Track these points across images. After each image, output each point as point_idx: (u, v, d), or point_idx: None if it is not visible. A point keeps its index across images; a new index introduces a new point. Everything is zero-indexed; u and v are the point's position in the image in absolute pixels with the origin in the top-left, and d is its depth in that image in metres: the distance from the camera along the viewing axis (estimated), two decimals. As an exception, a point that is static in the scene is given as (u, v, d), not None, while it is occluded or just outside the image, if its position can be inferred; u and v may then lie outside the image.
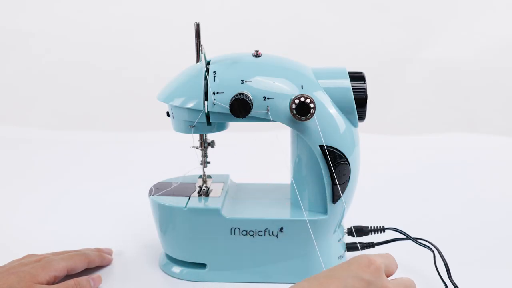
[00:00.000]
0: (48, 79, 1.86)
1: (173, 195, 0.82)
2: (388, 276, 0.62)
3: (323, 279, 0.58)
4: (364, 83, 0.77)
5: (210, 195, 0.83)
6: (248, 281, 0.80)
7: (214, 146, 0.84)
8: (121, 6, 1.84)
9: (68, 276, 0.78)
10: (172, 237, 0.81)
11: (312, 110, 0.72)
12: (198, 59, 0.78)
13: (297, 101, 0.72)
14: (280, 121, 0.74)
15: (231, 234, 0.78)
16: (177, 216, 0.79)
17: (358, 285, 0.57)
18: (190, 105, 0.75)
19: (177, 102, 0.75)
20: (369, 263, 0.59)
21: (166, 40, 1.81)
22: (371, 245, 0.85)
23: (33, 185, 1.20)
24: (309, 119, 0.73)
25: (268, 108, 0.74)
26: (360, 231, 0.85)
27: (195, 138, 0.83)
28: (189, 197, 0.81)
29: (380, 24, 1.82)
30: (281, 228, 0.78)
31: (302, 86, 0.75)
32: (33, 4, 1.85)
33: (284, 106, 0.74)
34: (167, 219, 0.80)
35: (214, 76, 0.74)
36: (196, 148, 0.83)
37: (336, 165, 0.75)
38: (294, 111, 0.72)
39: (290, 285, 0.79)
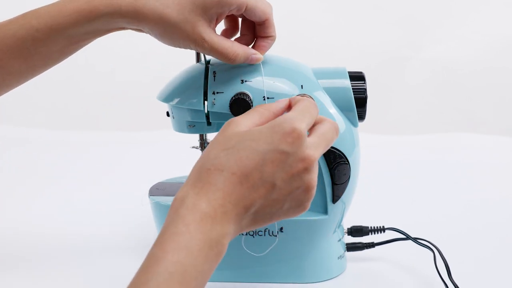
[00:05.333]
0: (48, 79, 1.85)
1: (173, 195, 0.82)
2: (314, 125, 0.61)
3: (243, 152, 0.55)
4: (364, 83, 0.77)
5: (210, 195, 0.83)
6: (248, 281, 0.80)
7: (214, 146, 0.83)
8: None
9: None
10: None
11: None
12: (198, 59, 0.78)
13: (297, 101, 0.72)
14: (280, 121, 0.74)
15: (231, 234, 0.78)
16: (177, 216, 0.79)
17: (277, 159, 0.55)
18: (189, 105, 0.74)
19: (177, 102, 0.75)
20: (291, 131, 0.55)
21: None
22: (371, 245, 0.85)
23: (33, 185, 1.20)
24: (309, 119, 0.72)
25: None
26: (360, 231, 0.85)
27: (195, 138, 0.83)
28: (189, 197, 0.81)
29: (380, 23, 1.82)
30: (281, 228, 0.78)
31: (302, 86, 0.75)
32: (33, 4, 1.84)
33: (284, 106, 0.73)
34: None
35: (214, 76, 0.74)
36: (196, 148, 0.83)
37: (336, 165, 0.75)
38: (294, 111, 0.72)
39: (290, 285, 0.79)
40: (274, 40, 0.74)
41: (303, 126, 0.56)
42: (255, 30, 0.74)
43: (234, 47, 0.69)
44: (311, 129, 0.60)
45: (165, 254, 0.50)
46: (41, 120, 1.78)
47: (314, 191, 0.58)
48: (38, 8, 0.71)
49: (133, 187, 1.03)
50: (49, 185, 1.20)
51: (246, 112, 0.61)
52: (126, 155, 1.42)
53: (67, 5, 0.69)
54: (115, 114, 1.80)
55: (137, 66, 1.83)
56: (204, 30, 0.67)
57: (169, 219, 0.53)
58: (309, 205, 0.59)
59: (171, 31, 0.68)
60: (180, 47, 0.70)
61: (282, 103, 0.63)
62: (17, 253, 0.88)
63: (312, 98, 0.72)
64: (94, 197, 1.13)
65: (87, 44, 0.74)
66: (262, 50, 0.73)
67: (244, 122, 0.58)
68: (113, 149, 1.46)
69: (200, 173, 0.55)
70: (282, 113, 0.61)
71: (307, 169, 0.56)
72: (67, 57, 0.75)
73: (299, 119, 0.57)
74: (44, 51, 0.71)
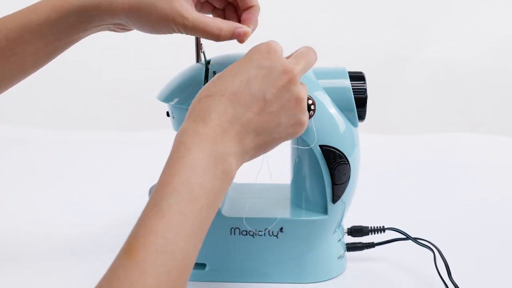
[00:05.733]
0: (48, 79, 1.85)
1: (173, 195, 0.82)
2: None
3: (228, 76, 0.59)
4: (364, 83, 0.77)
5: (210, 195, 0.83)
6: (248, 281, 0.80)
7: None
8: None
9: None
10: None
11: (312, 110, 0.72)
12: (198, 59, 0.78)
13: (297, 101, 0.72)
14: (280, 121, 0.74)
15: (231, 234, 0.78)
16: (177, 216, 0.79)
17: (260, 74, 0.58)
18: (190, 105, 0.74)
19: (177, 102, 0.75)
20: (266, 47, 0.60)
21: (166, 40, 1.80)
22: (371, 245, 0.85)
23: (33, 185, 1.20)
24: (308, 119, 0.72)
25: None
26: (360, 231, 0.85)
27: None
28: (189, 197, 0.81)
29: (380, 23, 1.82)
30: (281, 228, 0.78)
31: (302, 86, 0.74)
32: (33, 3, 1.84)
33: (284, 106, 0.73)
34: (167, 219, 0.80)
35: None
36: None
37: (336, 165, 0.75)
38: (294, 111, 0.72)
39: (290, 285, 0.79)
40: (258, 10, 0.73)
41: (277, 45, 0.61)
42: (238, 16, 0.74)
43: (217, 22, 0.68)
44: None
45: (172, 177, 0.52)
46: (41, 120, 1.78)
47: (304, 102, 0.61)
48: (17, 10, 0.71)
49: (133, 187, 1.03)
50: (49, 185, 1.20)
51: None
52: (126, 155, 1.42)
53: (42, 2, 0.69)
54: (115, 114, 1.80)
55: (137, 66, 1.83)
56: (180, 5, 0.66)
57: (172, 148, 0.56)
58: (304, 120, 0.62)
59: (147, 13, 0.66)
60: (162, 32, 0.69)
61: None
62: (17, 253, 0.88)
63: (312, 98, 0.72)
64: (94, 197, 1.13)
65: (64, 48, 0.74)
66: (248, 23, 0.72)
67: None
68: (113, 149, 1.46)
69: (194, 106, 0.58)
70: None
71: (291, 81, 0.59)
72: (45, 62, 0.74)
73: (272, 41, 0.62)
74: (19, 52, 0.70)
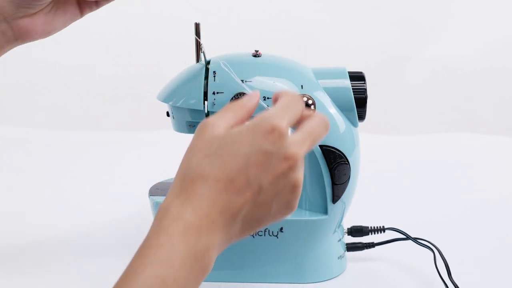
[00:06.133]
0: (48, 79, 1.85)
1: (173, 195, 0.82)
2: (296, 124, 0.58)
3: (225, 156, 0.52)
4: (364, 83, 0.77)
5: (210, 195, 0.83)
6: (248, 281, 0.80)
7: (214, 146, 0.83)
8: (121, 5, 1.83)
9: None
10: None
11: (312, 110, 0.72)
12: (198, 59, 0.78)
13: (297, 101, 0.72)
14: (280, 121, 0.74)
15: (231, 234, 0.78)
16: (177, 216, 0.79)
17: (261, 160, 0.52)
18: (190, 105, 0.75)
19: (177, 102, 0.75)
20: (272, 129, 0.52)
21: (166, 40, 1.81)
22: (371, 245, 0.85)
23: (33, 185, 1.20)
24: (309, 119, 0.72)
25: (268, 108, 0.74)
26: (360, 231, 0.85)
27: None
28: (189, 197, 0.81)
29: (380, 23, 1.81)
30: (281, 228, 0.78)
31: (302, 86, 0.75)
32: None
33: (284, 106, 0.73)
34: (167, 219, 0.80)
35: (214, 76, 0.74)
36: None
37: (336, 165, 0.75)
38: (294, 111, 0.72)
39: (290, 285, 0.79)
40: None
41: (284, 124, 0.54)
42: None
43: None
44: (298, 125, 0.58)
45: (144, 267, 0.48)
46: (41, 120, 1.78)
47: (300, 189, 0.56)
48: None
49: (133, 187, 1.03)
50: (49, 185, 1.20)
51: (219, 111, 0.57)
52: (126, 155, 1.42)
53: None
54: (115, 114, 1.80)
55: (137, 66, 1.83)
56: None
57: (151, 230, 0.51)
58: (296, 204, 0.56)
59: None
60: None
61: (255, 98, 0.59)
62: (17, 253, 0.88)
63: (312, 98, 0.72)
64: (94, 197, 1.13)
65: None
66: None
67: (219, 123, 0.55)
68: (113, 149, 1.46)
69: (184, 182, 0.53)
70: (254, 108, 0.58)
71: (291, 168, 0.54)
72: None
73: (279, 116, 0.54)
74: None
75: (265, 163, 0.52)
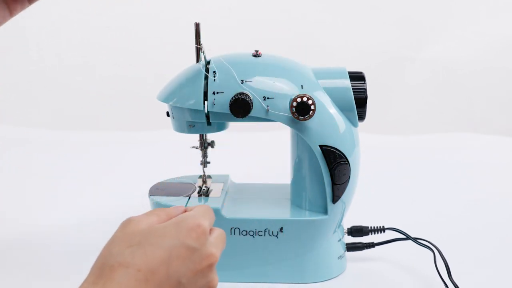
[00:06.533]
0: (48, 79, 1.85)
1: (173, 195, 0.82)
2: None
3: (148, 246, 0.53)
4: (364, 83, 0.77)
5: (210, 195, 0.83)
6: (248, 281, 0.80)
7: (214, 146, 0.84)
8: (121, 5, 1.84)
9: None
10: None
11: (312, 110, 0.72)
12: (198, 59, 0.78)
13: (298, 100, 0.72)
14: (280, 121, 0.74)
15: (231, 234, 0.78)
16: (177, 216, 0.79)
17: (183, 254, 0.54)
18: (190, 105, 0.75)
19: (177, 102, 0.75)
20: (196, 226, 0.56)
21: (166, 40, 1.81)
22: (371, 245, 0.85)
23: (33, 185, 1.20)
24: (308, 119, 0.73)
25: (268, 108, 0.74)
26: (360, 231, 0.85)
27: (195, 138, 0.83)
28: (189, 197, 0.81)
29: (380, 23, 1.82)
30: (281, 228, 0.78)
31: (302, 86, 0.75)
32: (33, 4, 1.84)
33: (284, 106, 0.74)
34: (167, 219, 0.80)
35: (214, 76, 0.74)
36: (196, 148, 0.83)
37: (336, 165, 0.75)
38: (294, 111, 0.72)
39: (290, 285, 0.79)
40: None
41: (206, 223, 0.57)
42: None
43: None
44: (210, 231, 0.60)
45: None
46: (41, 120, 1.78)
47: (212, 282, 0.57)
48: None
49: (133, 187, 1.03)
50: (49, 185, 1.20)
51: (144, 213, 0.59)
52: (126, 155, 1.42)
53: None
54: (115, 114, 1.80)
55: (137, 66, 1.83)
56: None
57: None
58: None
59: None
60: None
61: (179, 209, 0.62)
62: (17, 253, 0.88)
63: (312, 98, 0.72)
64: (94, 197, 1.13)
65: None
66: None
67: (144, 220, 0.57)
68: (113, 149, 1.46)
69: (103, 269, 0.52)
70: (178, 212, 0.61)
71: (210, 267, 0.56)
72: None
73: (202, 216, 0.57)
74: None
75: (187, 258, 0.54)
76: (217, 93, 0.74)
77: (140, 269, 0.52)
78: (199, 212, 0.59)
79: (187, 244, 0.54)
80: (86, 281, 0.53)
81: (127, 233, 0.56)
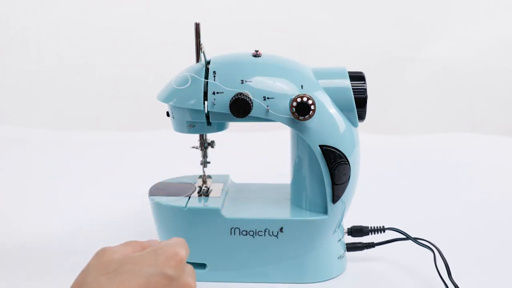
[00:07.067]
0: (48, 79, 1.85)
1: (173, 195, 0.82)
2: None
3: (125, 274, 0.54)
4: (364, 83, 0.77)
5: (210, 195, 0.83)
6: (248, 281, 0.80)
7: (214, 146, 0.84)
8: (121, 6, 1.84)
9: None
10: (172, 237, 0.80)
11: (312, 110, 0.72)
12: (198, 59, 0.78)
13: (298, 100, 0.72)
14: (280, 121, 0.74)
15: (231, 234, 0.78)
16: (177, 216, 0.79)
17: (161, 283, 0.55)
18: (190, 105, 0.75)
19: (177, 102, 0.75)
20: (174, 255, 0.56)
21: (166, 40, 1.81)
22: (371, 245, 0.85)
23: (33, 185, 1.20)
24: (308, 119, 0.73)
25: (268, 108, 0.74)
26: (360, 231, 0.85)
27: (195, 138, 0.83)
28: (189, 197, 0.81)
29: (380, 24, 1.82)
30: (281, 228, 0.78)
31: (302, 86, 0.75)
32: (33, 4, 1.85)
33: (284, 106, 0.74)
34: (167, 219, 0.80)
35: (214, 76, 0.74)
36: (196, 148, 0.83)
37: (336, 165, 0.75)
38: (294, 111, 0.72)
39: (290, 285, 0.79)
40: None
41: (184, 253, 0.57)
42: None
43: None
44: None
45: None
46: (41, 120, 1.78)
47: None
48: None
49: (133, 187, 1.03)
50: (49, 185, 1.20)
51: (119, 244, 0.59)
52: (126, 155, 1.42)
53: None
54: (115, 114, 1.80)
55: (137, 66, 1.83)
56: None
57: None
58: None
59: None
60: None
61: (152, 242, 0.62)
62: (17, 253, 0.88)
63: (312, 98, 0.72)
64: (94, 197, 1.13)
65: None
66: None
67: (119, 250, 0.57)
68: (113, 149, 1.46)
69: None
70: (150, 245, 0.61)
71: None
72: None
73: (179, 245, 0.58)
74: None
75: (165, 287, 0.55)
76: (217, 93, 0.74)
77: None
78: (175, 242, 0.59)
79: (164, 272, 0.55)
80: None
81: (103, 262, 0.55)
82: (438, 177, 1.25)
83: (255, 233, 0.78)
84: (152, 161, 1.36)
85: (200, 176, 0.89)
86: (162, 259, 0.56)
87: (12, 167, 1.33)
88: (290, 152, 0.83)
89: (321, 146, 0.75)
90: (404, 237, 0.84)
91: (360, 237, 0.86)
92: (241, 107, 0.72)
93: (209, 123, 0.77)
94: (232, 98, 0.72)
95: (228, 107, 0.72)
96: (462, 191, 1.16)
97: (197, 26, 0.75)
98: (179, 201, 0.80)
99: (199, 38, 0.75)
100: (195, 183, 0.87)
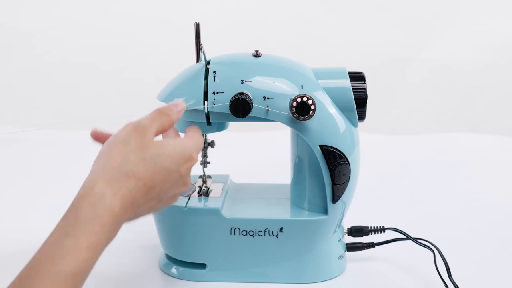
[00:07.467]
0: (48, 79, 1.85)
1: (173, 195, 0.82)
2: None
3: (158, 166, 0.61)
4: (364, 83, 0.77)
5: (210, 195, 0.83)
6: (248, 281, 0.80)
7: (214, 146, 0.84)
8: (121, 6, 1.84)
9: None
10: (172, 237, 0.81)
11: (312, 110, 0.72)
12: (198, 59, 0.78)
13: (298, 100, 0.72)
14: (280, 121, 0.74)
15: (231, 234, 0.78)
16: (177, 216, 0.79)
17: (174, 178, 0.62)
18: (190, 105, 0.75)
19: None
20: (191, 158, 0.64)
21: (166, 40, 1.81)
22: (371, 245, 0.85)
23: (33, 185, 1.20)
24: (308, 119, 0.73)
25: (268, 108, 0.74)
26: (360, 231, 0.85)
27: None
28: (189, 197, 0.81)
29: (380, 24, 1.82)
30: (281, 228, 0.78)
31: (302, 86, 0.75)
32: (33, 4, 1.85)
33: (284, 106, 0.74)
34: (167, 219, 0.80)
35: (214, 76, 0.74)
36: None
37: (336, 165, 0.75)
38: (294, 111, 0.72)
39: (290, 285, 0.79)
40: None
41: (195, 156, 0.66)
42: None
43: None
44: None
45: (78, 251, 0.54)
46: (41, 120, 1.78)
47: (177, 198, 0.67)
48: None
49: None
50: (49, 185, 1.20)
51: (148, 115, 0.66)
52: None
53: None
54: (115, 114, 1.80)
55: (138, 66, 1.83)
56: None
57: (85, 210, 0.56)
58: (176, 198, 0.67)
59: None
60: None
61: (180, 106, 0.68)
62: (17, 253, 0.88)
63: (312, 98, 0.72)
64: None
65: None
66: None
67: (151, 129, 0.63)
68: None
69: (119, 174, 0.59)
70: (178, 117, 0.67)
71: (181, 192, 0.66)
72: None
73: (196, 150, 0.66)
74: None
75: (175, 182, 0.63)
76: (217, 93, 0.74)
77: (145, 184, 0.59)
78: (196, 145, 0.67)
79: (180, 171, 0.63)
80: (101, 175, 0.59)
81: (144, 143, 0.61)
82: (438, 177, 1.24)
83: (255, 233, 0.78)
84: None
85: (200, 176, 0.89)
86: (183, 160, 0.63)
87: (12, 167, 1.33)
88: (290, 152, 0.83)
89: (321, 146, 0.75)
90: (404, 237, 0.84)
91: (360, 237, 0.86)
92: (241, 107, 0.72)
93: (209, 123, 0.77)
94: (232, 98, 0.72)
95: (228, 107, 0.72)
96: (462, 191, 1.16)
97: (197, 26, 0.75)
98: (179, 201, 0.80)
99: (199, 38, 0.75)
100: (195, 183, 0.87)
